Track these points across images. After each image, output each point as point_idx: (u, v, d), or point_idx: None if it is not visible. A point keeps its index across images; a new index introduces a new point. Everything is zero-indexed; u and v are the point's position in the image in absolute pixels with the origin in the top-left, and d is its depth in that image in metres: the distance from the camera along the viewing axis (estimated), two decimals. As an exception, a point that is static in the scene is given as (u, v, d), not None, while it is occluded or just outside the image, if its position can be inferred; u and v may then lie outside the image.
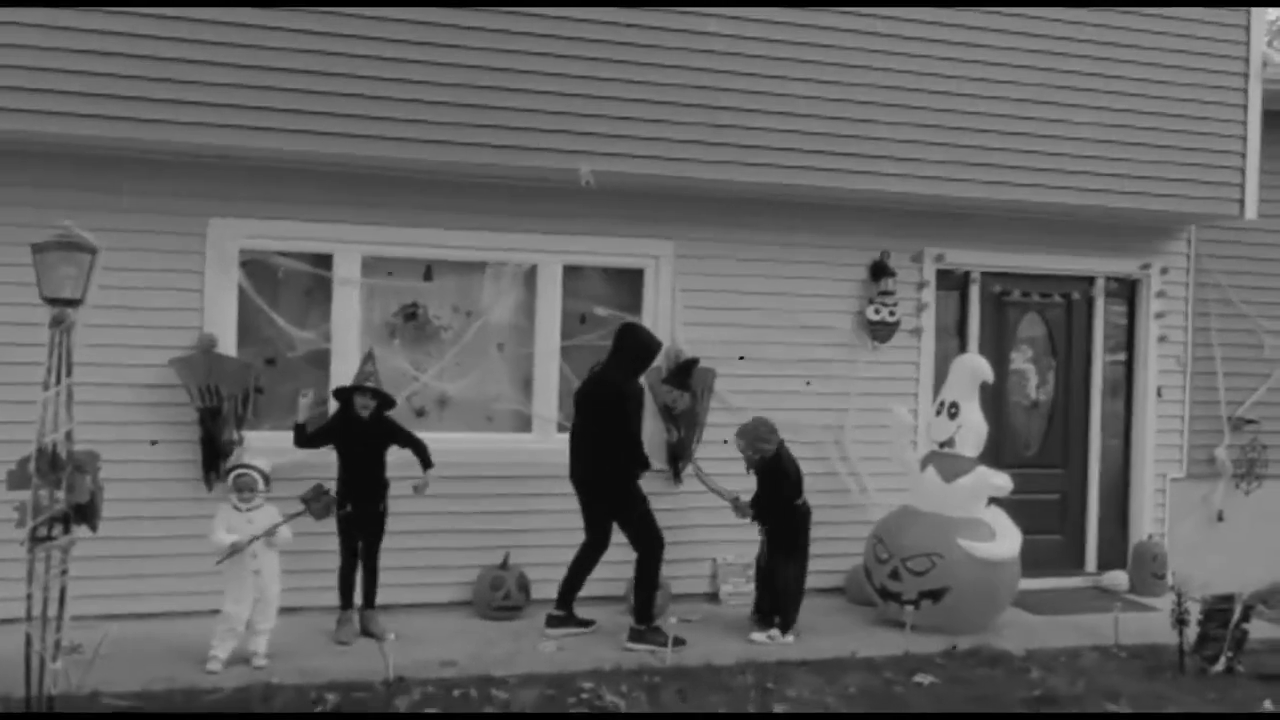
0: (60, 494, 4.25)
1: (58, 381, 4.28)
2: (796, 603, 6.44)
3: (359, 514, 6.09)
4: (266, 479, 5.69)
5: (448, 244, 6.90)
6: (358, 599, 6.23)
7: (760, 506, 6.52)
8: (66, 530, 4.28)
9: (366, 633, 6.16)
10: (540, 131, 6.40)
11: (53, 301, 4.31)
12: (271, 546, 5.59)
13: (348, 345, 6.74)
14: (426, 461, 6.21)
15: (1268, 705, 5.52)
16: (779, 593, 6.41)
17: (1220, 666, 6.05)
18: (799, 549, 6.47)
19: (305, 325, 6.73)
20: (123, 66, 5.79)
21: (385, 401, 6.20)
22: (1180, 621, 6.05)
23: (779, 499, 6.44)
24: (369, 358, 6.28)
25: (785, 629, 6.37)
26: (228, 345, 6.49)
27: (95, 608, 5.96)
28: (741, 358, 7.37)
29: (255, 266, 6.62)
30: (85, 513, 4.35)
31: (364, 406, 6.10)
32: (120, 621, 6.04)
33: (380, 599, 6.27)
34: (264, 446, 6.26)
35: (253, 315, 6.61)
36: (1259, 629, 6.53)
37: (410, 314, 6.96)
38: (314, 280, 6.76)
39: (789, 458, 6.53)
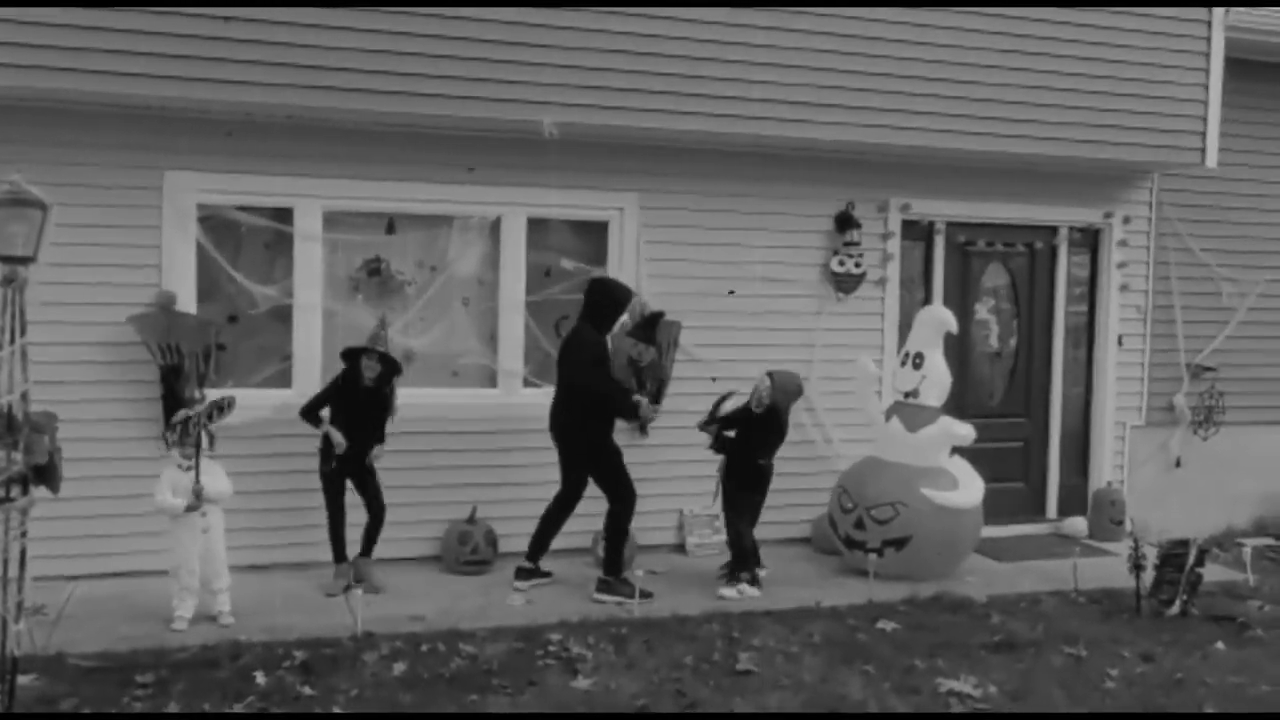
0: (18, 455, 4.20)
1: (12, 342, 4.21)
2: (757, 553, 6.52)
3: (345, 470, 6.10)
4: (211, 437, 5.59)
5: (410, 197, 6.82)
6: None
7: (739, 446, 6.47)
8: (25, 492, 4.23)
9: (359, 580, 6.18)
10: (502, 82, 6.31)
11: (3, 260, 4.22)
12: (209, 500, 5.47)
13: (310, 301, 6.67)
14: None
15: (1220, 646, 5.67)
16: (744, 551, 6.43)
17: (1175, 609, 6.18)
18: (759, 505, 6.52)
19: (267, 281, 6.65)
20: (75, 17, 5.62)
21: (391, 369, 6.16)
22: (1137, 566, 6.18)
23: (758, 450, 6.44)
24: (382, 324, 6.26)
25: (755, 582, 6.42)
26: (187, 302, 6.40)
27: (58, 568, 5.94)
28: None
29: (214, 221, 6.51)
30: (44, 474, 4.30)
31: (369, 369, 6.06)
32: (84, 581, 6.02)
33: (348, 554, 6.27)
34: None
35: (213, 271, 6.52)
36: (1213, 573, 6.67)
37: (373, 269, 6.90)
38: (275, 235, 6.67)
39: (787, 421, 6.56)
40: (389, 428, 6.27)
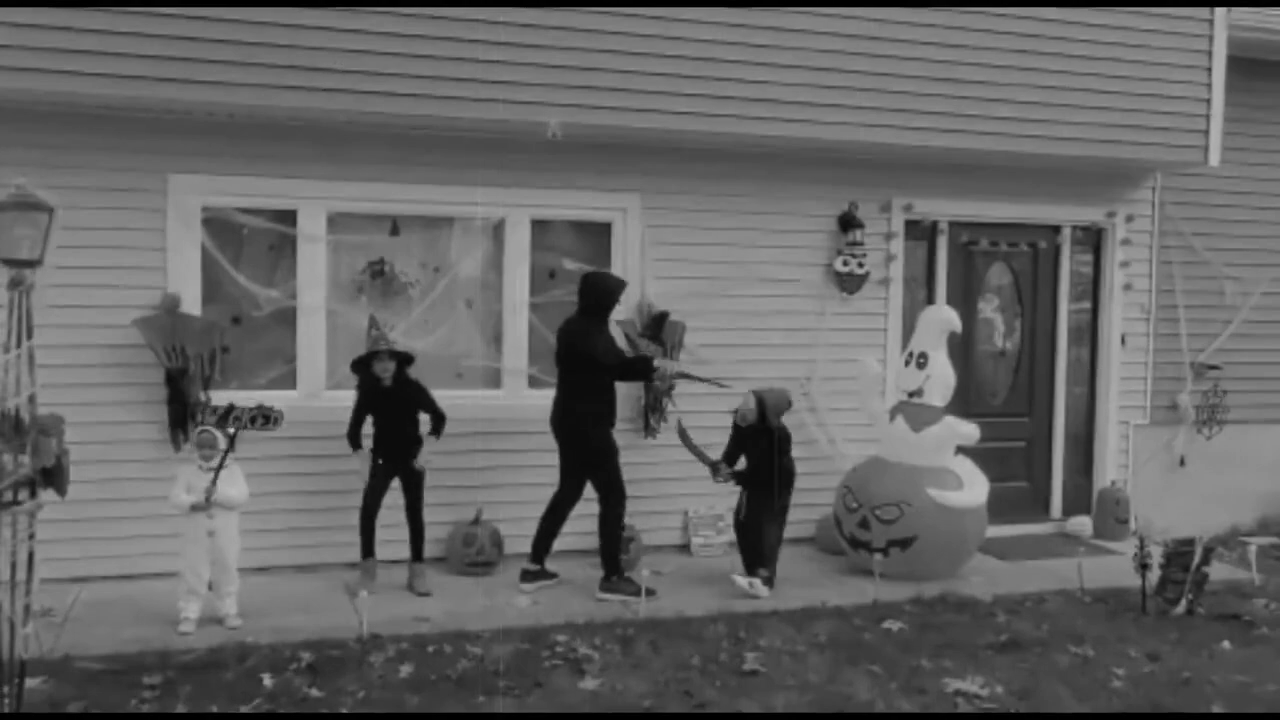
0: (25, 458, 4.20)
1: (18, 344, 4.21)
2: (776, 557, 6.50)
3: (394, 470, 6.18)
4: (230, 440, 5.63)
5: (414, 198, 6.83)
6: (381, 554, 6.31)
7: (753, 469, 6.50)
8: (33, 495, 4.23)
9: (412, 588, 6.23)
10: (507, 84, 6.31)
11: (9, 263, 4.22)
12: (218, 505, 5.46)
13: (314, 303, 6.67)
14: (437, 431, 6.27)
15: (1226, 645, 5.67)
16: (763, 548, 6.42)
17: (1181, 608, 6.18)
18: (784, 508, 6.52)
19: (271, 283, 6.65)
20: (76, 19, 5.63)
21: (404, 360, 6.20)
22: (1143, 565, 6.17)
23: (775, 464, 6.45)
24: (372, 323, 6.27)
25: (770, 583, 6.39)
26: (192, 304, 6.41)
27: (65, 571, 5.95)
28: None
29: (218, 224, 6.52)
30: (51, 477, 4.29)
31: (384, 370, 6.10)
32: (91, 584, 6.03)
33: (351, 556, 6.27)
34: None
35: (217, 273, 6.53)
36: (1219, 571, 6.68)
37: (377, 270, 6.90)
38: (279, 237, 6.67)
39: (785, 429, 6.56)
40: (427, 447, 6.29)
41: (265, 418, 5.58)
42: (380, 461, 6.19)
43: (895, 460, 6.84)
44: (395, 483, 6.28)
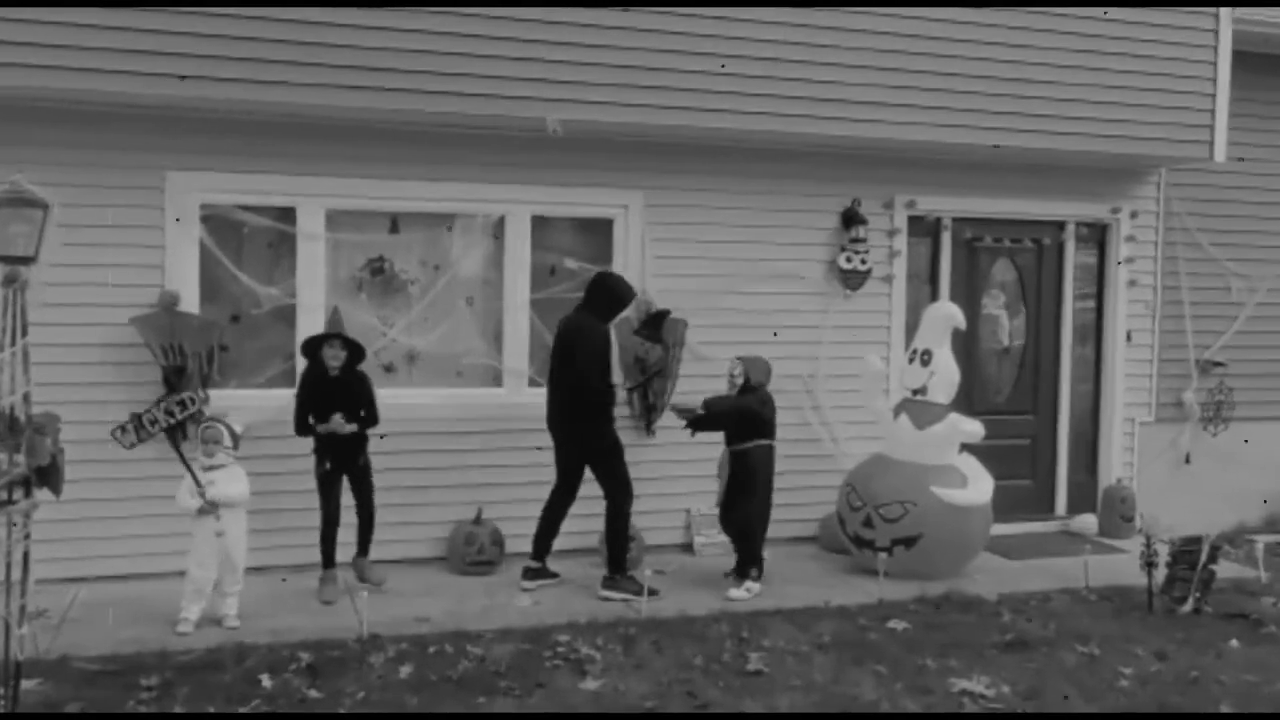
0: (20, 457, 4.16)
1: (13, 343, 4.18)
2: (756, 543, 6.38)
3: (341, 470, 6.02)
4: (235, 437, 5.59)
5: (413, 196, 6.78)
6: (375, 554, 6.23)
7: (718, 419, 6.40)
8: (28, 494, 4.19)
9: (362, 579, 6.12)
10: (506, 79, 6.27)
11: (4, 260, 4.19)
12: (220, 504, 5.43)
13: (314, 301, 6.63)
14: (365, 426, 6.04)
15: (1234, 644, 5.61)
16: (749, 546, 6.37)
17: (1188, 607, 6.14)
18: (757, 489, 6.37)
19: (270, 281, 6.61)
20: (72, 15, 5.59)
21: (355, 352, 6.03)
22: (1149, 563, 6.13)
23: (733, 415, 6.36)
24: (334, 310, 6.18)
25: (751, 574, 6.31)
26: (190, 302, 6.37)
27: (62, 571, 5.91)
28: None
29: (217, 221, 6.48)
30: (46, 476, 4.26)
31: (334, 358, 5.94)
32: (88, 584, 6.00)
33: (350, 556, 6.22)
34: (230, 405, 6.17)
35: (216, 271, 6.48)
36: (1225, 569, 6.63)
37: (377, 268, 6.86)
38: (278, 235, 6.63)
39: (767, 396, 6.44)
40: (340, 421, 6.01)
41: (181, 404, 5.55)
42: (328, 466, 5.98)
43: (899, 458, 6.79)
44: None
